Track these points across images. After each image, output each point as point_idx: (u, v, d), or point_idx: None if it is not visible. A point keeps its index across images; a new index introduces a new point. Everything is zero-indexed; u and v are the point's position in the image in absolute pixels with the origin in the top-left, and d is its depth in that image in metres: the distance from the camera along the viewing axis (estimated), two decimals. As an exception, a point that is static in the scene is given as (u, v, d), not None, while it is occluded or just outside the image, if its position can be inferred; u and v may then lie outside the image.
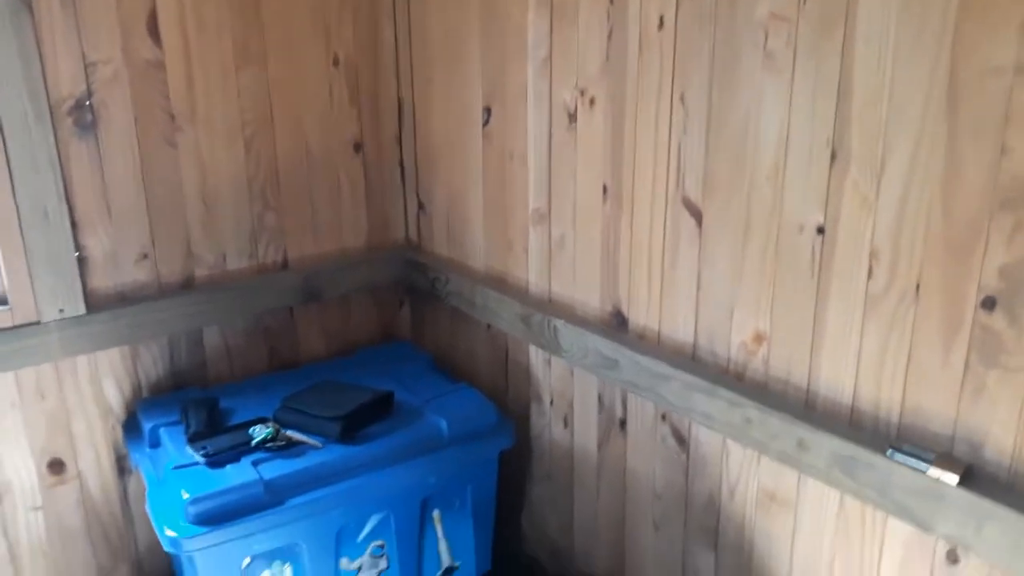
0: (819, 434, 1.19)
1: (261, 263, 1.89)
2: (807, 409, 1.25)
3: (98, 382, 1.71)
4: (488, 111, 1.73)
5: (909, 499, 1.09)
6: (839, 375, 1.19)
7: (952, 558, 1.10)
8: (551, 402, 1.75)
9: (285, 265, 1.93)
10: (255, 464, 1.50)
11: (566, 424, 1.73)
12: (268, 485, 1.46)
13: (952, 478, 1.04)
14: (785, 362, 1.27)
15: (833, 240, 1.16)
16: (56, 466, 1.70)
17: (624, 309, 1.52)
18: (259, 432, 1.55)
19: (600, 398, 1.62)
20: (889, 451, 1.11)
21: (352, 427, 1.59)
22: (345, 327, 2.05)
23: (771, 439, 1.26)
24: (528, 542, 1.93)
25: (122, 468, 1.77)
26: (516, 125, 1.67)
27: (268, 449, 1.54)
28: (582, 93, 1.50)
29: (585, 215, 1.56)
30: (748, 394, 1.29)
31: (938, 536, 1.09)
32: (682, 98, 1.32)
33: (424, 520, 1.67)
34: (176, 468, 1.49)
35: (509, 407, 1.86)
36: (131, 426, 1.72)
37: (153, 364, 1.78)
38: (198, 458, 1.50)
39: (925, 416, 1.10)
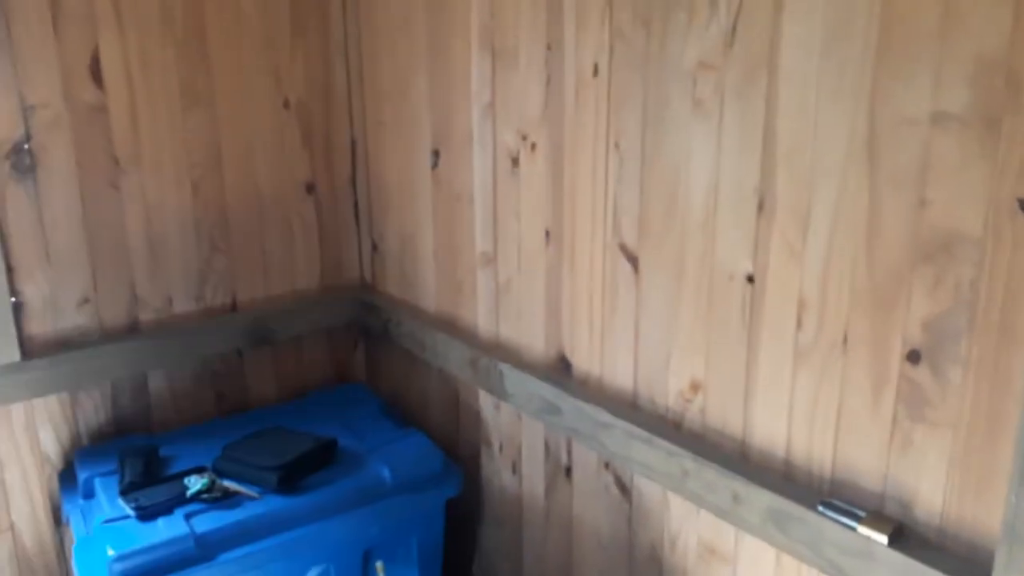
0: (753, 488, 1.16)
1: (209, 306, 1.86)
2: (742, 461, 1.22)
3: (34, 430, 1.67)
4: (437, 154, 1.72)
5: (840, 557, 1.06)
6: (772, 426, 1.17)
7: (888, 617, 1.07)
8: (500, 448, 1.72)
9: (234, 308, 1.90)
10: (188, 517, 1.46)
11: (515, 470, 1.69)
12: (199, 539, 1.41)
13: (882, 537, 1.01)
14: (720, 412, 1.24)
15: (763, 289, 1.14)
16: (-11, 518, 1.65)
17: (568, 354, 1.50)
18: (194, 483, 1.51)
19: (547, 444, 1.59)
20: (820, 507, 1.08)
21: (291, 477, 1.55)
22: (298, 370, 2.01)
23: (707, 492, 1.23)
24: (481, 591, 1.88)
25: (59, 519, 1.73)
26: (463, 168, 1.65)
27: (204, 500, 1.50)
28: (524, 138, 1.49)
29: (529, 259, 1.54)
30: (685, 444, 1.27)
31: (872, 595, 1.06)
32: (617, 145, 1.31)
33: (367, 571, 1.63)
34: (106, 522, 1.44)
35: (460, 452, 1.83)
36: (67, 476, 1.68)
37: (94, 411, 1.74)
38: (129, 511, 1.46)
39: (856, 471, 1.08)
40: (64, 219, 1.64)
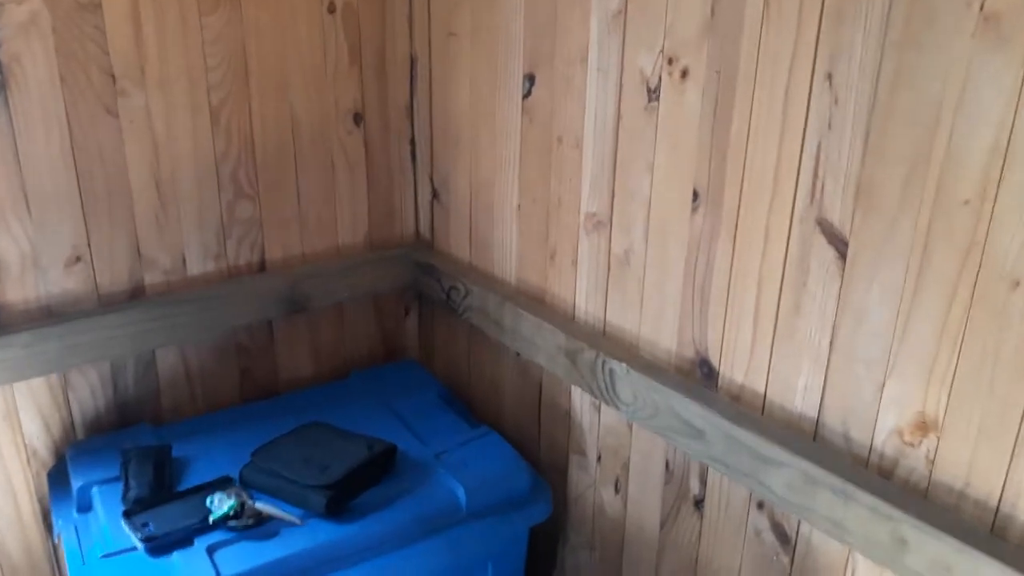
0: (1024, 581, 0.81)
1: (232, 265, 1.49)
2: (994, 537, 0.86)
3: (16, 421, 1.33)
4: (531, 79, 1.32)
5: None
6: (1061, 499, 0.81)
7: None
8: (598, 459, 1.37)
9: (263, 268, 1.52)
10: (211, 551, 1.12)
11: (617, 489, 1.35)
12: (228, 586, 1.08)
13: None
14: (963, 465, 0.88)
15: (1077, 305, 0.76)
16: (-38, 527, 1.32)
17: (713, 358, 1.13)
18: (219, 505, 1.17)
19: (668, 465, 1.24)
20: None
21: (343, 498, 1.21)
22: (338, 343, 1.65)
23: (938, 572, 0.88)
24: (559, 619, 1.56)
25: (51, 525, 1.40)
26: (570, 100, 1.25)
27: (231, 528, 1.16)
28: (670, 61, 1.09)
29: (663, 226, 1.15)
30: (903, 503, 0.91)
31: None
32: (829, 76, 0.91)
33: (434, 609, 1.30)
34: (106, 556, 1.11)
35: (541, 458, 1.48)
36: (59, 476, 1.34)
37: (91, 396, 1.39)
38: (136, 541, 1.12)
39: None
40: (47, 153, 1.26)
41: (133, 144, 1.33)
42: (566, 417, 1.41)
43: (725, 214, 1.06)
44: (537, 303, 1.41)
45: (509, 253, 1.46)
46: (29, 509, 1.37)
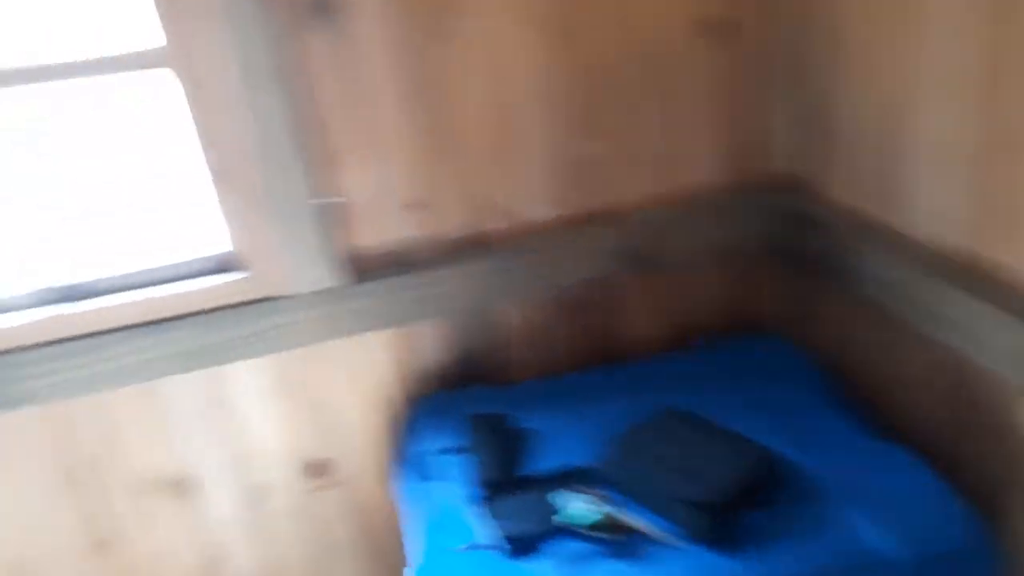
0: None
1: (575, 213, 1.29)
2: None
3: (365, 372, 1.27)
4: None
5: None
6: None
7: None
8: (1065, 502, 1.01)
9: (606, 216, 1.30)
10: (574, 562, 0.95)
11: (1096, 548, 0.98)
12: (602, 616, 0.91)
13: None
14: None
15: None
16: (317, 467, 1.31)
17: None
18: (579, 511, 0.99)
19: None
20: None
21: (729, 520, 0.98)
22: (683, 305, 1.41)
23: None
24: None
25: (392, 475, 1.34)
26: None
27: (593, 538, 0.99)
28: None
29: None
30: None
31: None
32: None
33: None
34: (468, 548, 0.99)
35: (964, 482, 1.13)
36: (405, 434, 1.26)
37: (432, 351, 1.30)
38: (496, 538, 0.99)
39: None
40: (382, 83, 1.12)
41: (468, 71, 1.15)
42: (1013, 435, 1.05)
43: None
44: (982, 280, 1.05)
45: (940, 208, 1.09)
46: (376, 456, 1.33)
